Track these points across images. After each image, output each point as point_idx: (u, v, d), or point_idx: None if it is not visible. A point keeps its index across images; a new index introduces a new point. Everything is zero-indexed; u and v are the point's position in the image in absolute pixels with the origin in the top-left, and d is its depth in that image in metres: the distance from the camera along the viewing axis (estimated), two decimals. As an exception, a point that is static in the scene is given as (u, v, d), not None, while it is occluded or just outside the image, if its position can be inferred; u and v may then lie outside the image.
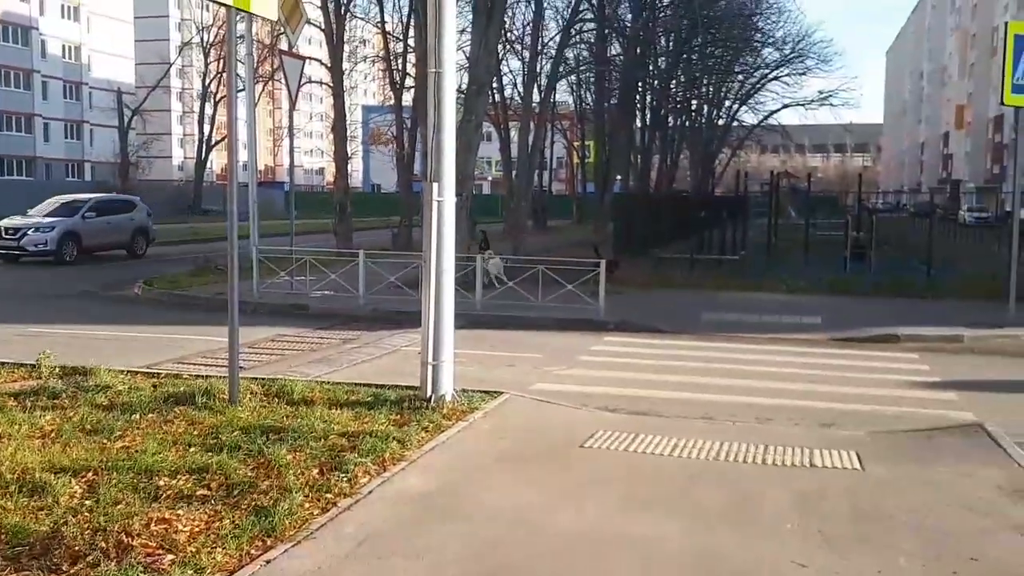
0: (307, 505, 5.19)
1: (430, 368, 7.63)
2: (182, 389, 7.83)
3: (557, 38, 30.35)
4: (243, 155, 21.70)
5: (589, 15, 32.15)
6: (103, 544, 4.43)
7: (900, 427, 7.86)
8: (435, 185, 7.50)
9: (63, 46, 65.03)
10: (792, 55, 46.69)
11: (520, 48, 34.31)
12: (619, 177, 37.36)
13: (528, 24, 30.85)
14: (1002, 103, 14.27)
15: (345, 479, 5.65)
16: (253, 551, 4.57)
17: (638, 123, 40.24)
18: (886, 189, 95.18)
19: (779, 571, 4.49)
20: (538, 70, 30.62)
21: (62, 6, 64.59)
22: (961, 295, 17.24)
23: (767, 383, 9.82)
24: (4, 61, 59.48)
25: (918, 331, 13.20)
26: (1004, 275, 15.26)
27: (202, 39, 61.52)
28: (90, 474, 5.52)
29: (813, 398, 9.10)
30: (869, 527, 5.14)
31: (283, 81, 17.93)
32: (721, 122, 53.77)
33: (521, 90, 31.95)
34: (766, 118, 52.21)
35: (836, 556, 4.70)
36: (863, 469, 6.34)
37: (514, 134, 35.34)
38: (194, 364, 9.93)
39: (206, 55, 60.92)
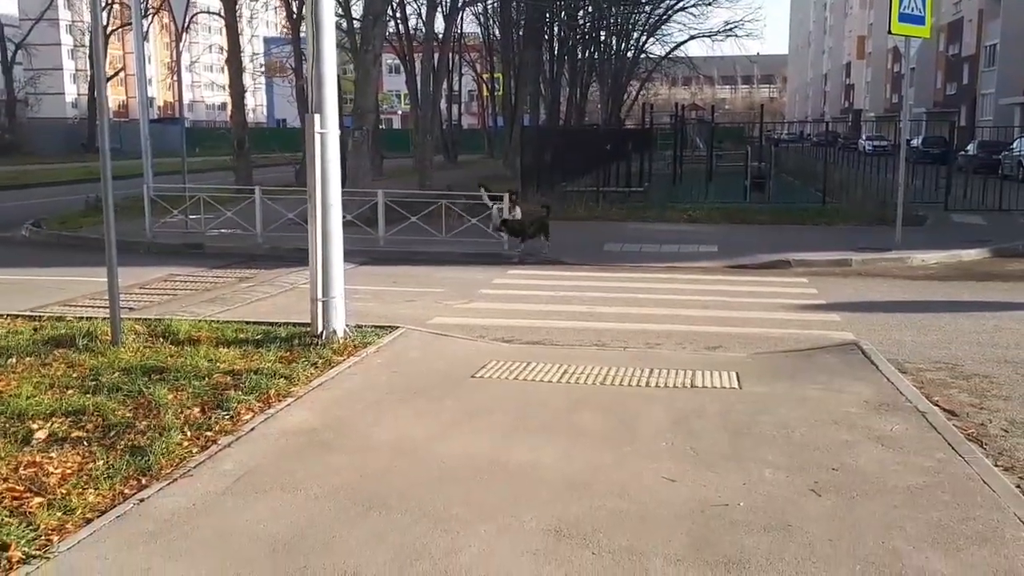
0: (186, 444, 5.13)
1: (320, 304, 7.55)
2: (63, 331, 7.58)
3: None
4: (139, 91, 20.79)
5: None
6: (-36, 490, 4.30)
7: (783, 348, 8.16)
8: (316, 117, 7.31)
9: (-63, -26, 60.71)
10: (698, -17, 46.75)
11: (424, -24, 33.43)
12: (528, 110, 37.12)
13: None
14: (889, 32, 14.59)
15: (227, 417, 5.60)
16: (127, 491, 4.50)
17: (546, 55, 39.92)
18: (791, 120, 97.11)
19: (650, 487, 4.65)
20: None
21: (-67, -69, 60.15)
22: (854, 221, 17.87)
23: (661, 310, 10.04)
24: None
25: (809, 256, 13.66)
26: (894, 201, 15.82)
27: (89, -33, 58.16)
28: (-44, 421, 5.33)
29: (703, 323, 9.35)
30: (740, 443, 5.35)
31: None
32: (630, 54, 53.77)
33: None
34: (673, 50, 52.44)
35: (706, 471, 4.89)
36: (740, 388, 6.58)
37: (420, 67, 34.66)
38: (79, 306, 9.62)
39: (94, -16, 57.65)
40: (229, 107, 28.14)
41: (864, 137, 52.49)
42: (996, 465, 5.13)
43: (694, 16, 50.64)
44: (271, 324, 8.11)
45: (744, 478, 4.77)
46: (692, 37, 53.18)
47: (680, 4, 48.45)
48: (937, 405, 6.24)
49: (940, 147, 33.12)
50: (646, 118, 32.94)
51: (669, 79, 67.48)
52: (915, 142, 36.81)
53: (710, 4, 49.55)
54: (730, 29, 49.41)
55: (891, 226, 15.33)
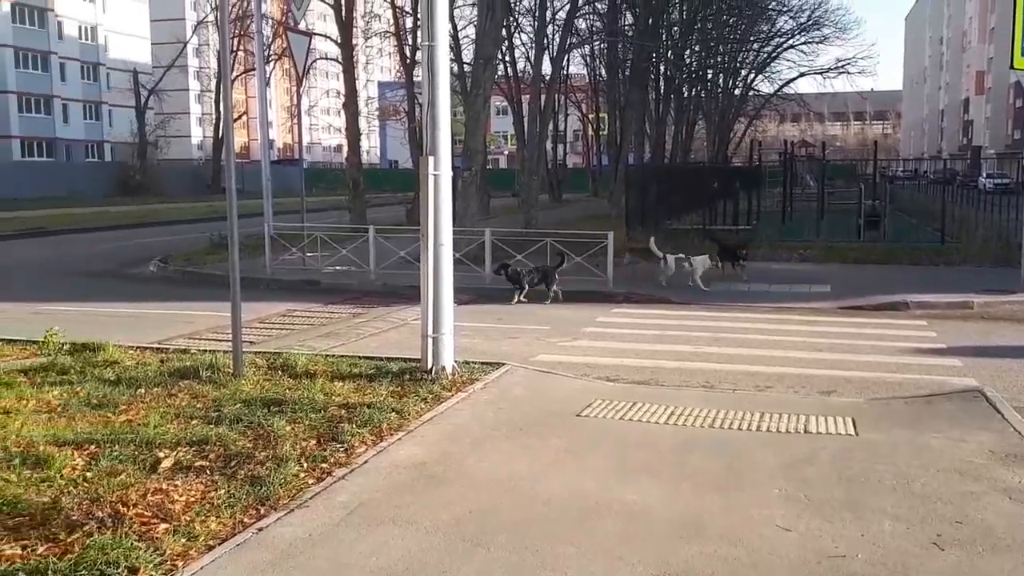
0: (302, 475, 5.31)
1: (430, 340, 7.71)
2: (188, 363, 7.96)
3: (568, 7, 30.06)
4: (261, 133, 21.77)
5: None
6: (99, 514, 4.56)
7: (901, 394, 7.88)
8: (431, 159, 7.53)
9: (79, 27, 65.27)
10: (808, 23, 46.08)
11: (532, 20, 34.05)
12: (633, 148, 37.11)
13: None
14: (1012, 67, 14.05)
15: (342, 449, 5.76)
16: (247, 519, 4.68)
17: (652, 94, 39.92)
18: (905, 156, 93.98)
19: (762, 535, 4.55)
20: (546, 42, 30.42)
21: (77, -13, 64.85)
22: (975, 262, 17.12)
23: (771, 352, 9.83)
24: (22, 43, 59.85)
25: (927, 298, 13.14)
26: (1018, 241, 15.11)
27: (216, 17, 61.48)
28: (93, 447, 5.66)
29: (816, 366, 9.11)
30: (856, 492, 5.18)
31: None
32: (737, 92, 53.25)
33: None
34: (782, 87, 51.70)
35: (821, 520, 4.75)
36: (857, 435, 6.37)
37: (528, 108, 35.15)
38: (203, 339, 10.08)
39: (221, 33, 60.99)
40: (345, 149, 29.12)
41: (984, 174, 50.41)
42: None
43: (804, 53, 49.77)
44: (383, 359, 8.33)
45: (862, 529, 4.62)
46: (802, 74, 52.20)
47: (790, 42, 47.87)
48: (1071, 458, 5.90)
49: (1069, 184, 31.47)
50: (754, 155, 32.48)
51: (778, 116, 66.38)
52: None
53: (821, 42, 48.68)
54: (842, 66, 48.43)
55: (1016, 267, 14.61)
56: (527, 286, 13.45)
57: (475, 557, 4.25)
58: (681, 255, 14.68)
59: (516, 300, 13.31)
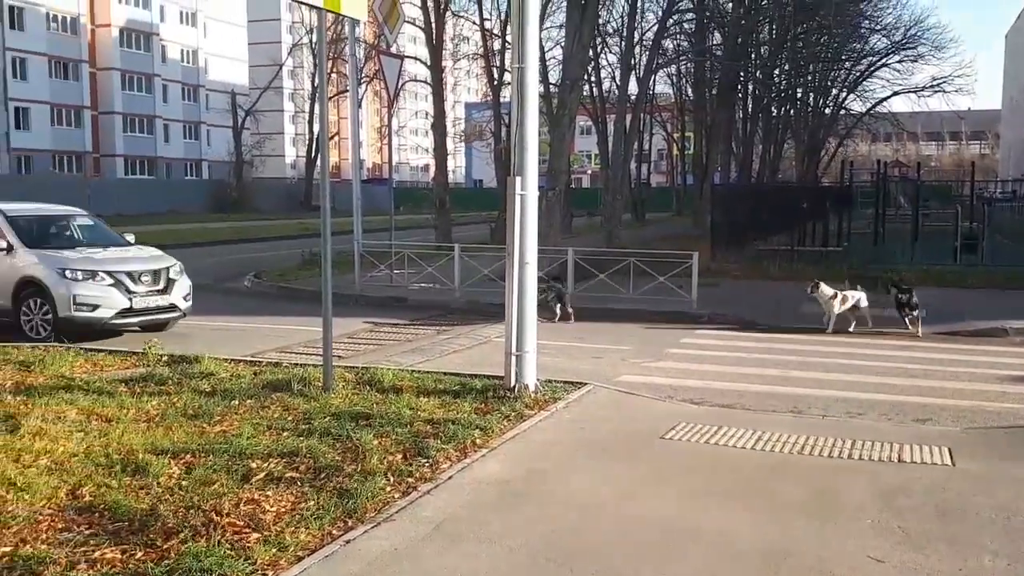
0: (389, 489, 5.41)
1: (514, 358, 7.77)
2: (280, 377, 8.20)
3: (656, 28, 30.03)
4: (352, 153, 22.30)
5: (688, 4, 31.71)
6: (194, 522, 4.73)
7: (1000, 424, 7.57)
8: (518, 179, 7.62)
9: (182, 50, 68.04)
10: (904, 42, 44.78)
11: (619, 40, 34.07)
12: (719, 168, 36.71)
13: (625, 15, 30.63)
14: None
15: (427, 464, 5.85)
16: (335, 531, 4.79)
17: (739, 113, 39.45)
18: (1004, 178, 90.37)
19: (854, 566, 4.44)
20: (633, 63, 30.38)
21: (180, 12, 67.60)
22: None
23: (863, 377, 9.56)
24: (128, 66, 62.74)
25: (1029, 325, 12.59)
26: None
27: (310, 40, 63.38)
28: (188, 456, 5.87)
29: (910, 393, 8.83)
30: (953, 524, 5.01)
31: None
32: (827, 111, 52.09)
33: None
34: (875, 106, 50.24)
35: (916, 553, 4.61)
36: (953, 465, 6.15)
37: (612, 128, 35.16)
38: (294, 353, 10.35)
39: (315, 56, 62.76)
40: (432, 168, 29.63)
41: (1088, 196, 48.09)
42: None
43: (898, 72, 48.28)
44: (467, 376, 8.41)
45: (960, 564, 4.46)
46: (896, 93, 50.49)
47: (883, 61, 46.59)
48: None
49: None
50: (845, 175, 31.72)
51: (870, 135, 64.75)
52: None
53: (916, 61, 47.20)
54: (938, 85, 46.86)
55: None
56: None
57: (558, 577, 4.26)
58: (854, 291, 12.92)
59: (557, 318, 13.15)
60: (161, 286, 11.78)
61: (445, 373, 8.59)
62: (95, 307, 11.19)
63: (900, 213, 33.07)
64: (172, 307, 11.89)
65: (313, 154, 65.20)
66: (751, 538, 4.78)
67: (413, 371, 8.72)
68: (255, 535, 4.66)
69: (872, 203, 30.77)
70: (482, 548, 4.61)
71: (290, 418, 6.91)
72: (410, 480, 5.57)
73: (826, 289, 12.65)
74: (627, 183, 37.20)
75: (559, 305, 13.33)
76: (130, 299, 11.37)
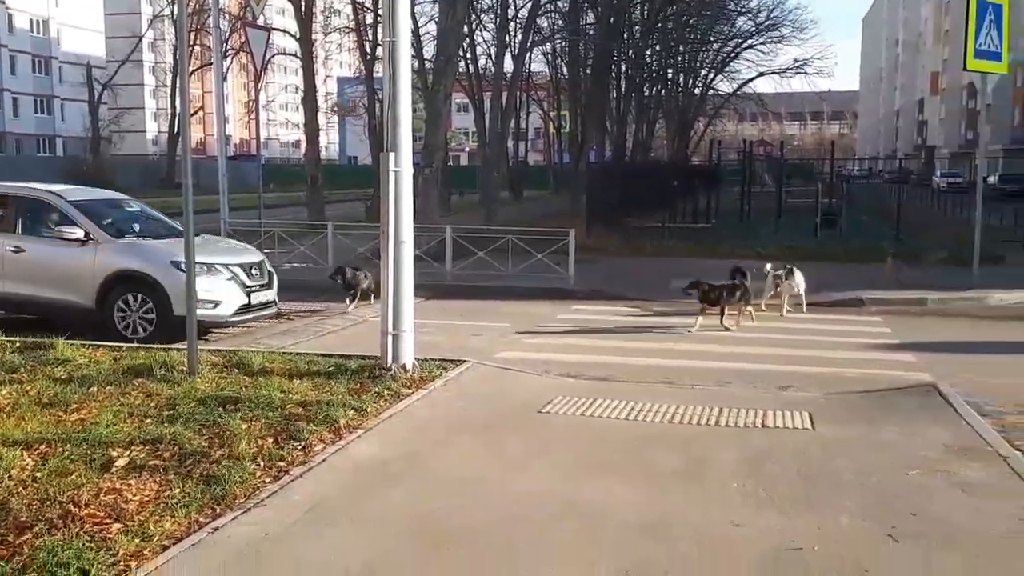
0: (259, 474, 5.22)
1: (390, 338, 7.64)
2: (142, 362, 7.81)
3: (530, 5, 30.08)
4: (217, 129, 21.46)
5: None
6: (50, 515, 4.44)
7: (857, 389, 7.97)
8: (392, 155, 7.46)
9: (31, 20, 63.92)
10: (766, 23, 46.59)
11: (494, 17, 34.00)
12: (595, 146, 37.24)
13: (500, -8, 30.55)
14: (965, 68, 14.32)
15: (299, 448, 5.68)
16: (202, 519, 4.59)
17: (613, 92, 40.09)
18: (862, 156, 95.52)
19: (722, 531, 4.56)
20: (508, 40, 30.39)
21: (27, -21, 63.47)
22: (929, 259, 17.43)
23: (730, 348, 9.91)
24: (-31, 35, 58.51)
25: (883, 295, 13.36)
26: (971, 239, 15.40)
27: (172, 11, 60.54)
28: (43, 446, 5.51)
29: (773, 362, 9.20)
30: (814, 486, 5.23)
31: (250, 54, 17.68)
32: (697, 91, 53.66)
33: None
34: (741, 86, 52.15)
35: (779, 515, 4.78)
36: (814, 429, 6.44)
37: (489, 105, 35.12)
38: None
39: (176, 28, 60.08)
40: (303, 144, 28.84)
41: (938, 174, 51.38)
42: (1086, 515, 4.92)
43: (763, 53, 50.23)
44: (342, 357, 8.23)
45: (819, 523, 4.66)
46: (761, 74, 52.54)
47: (749, 42, 48.33)
48: (1020, 450, 6.01)
49: (1018, 184, 32.24)
50: (713, 154, 32.78)
51: (737, 115, 67.02)
52: (991, 179, 35.88)
53: (779, 42, 49.23)
54: (800, 66, 49.03)
55: (968, 265, 14.93)
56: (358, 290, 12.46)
57: (436, 558, 4.21)
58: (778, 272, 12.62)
59: (351, 306, 12.37)
60: (265, 280, 10.87)
61: (318, 355, 8.38)
62: (216, 303, 10.02)
63: (765, 190, 34.44)
64: (273, 302, 11.04)
65: (176, 129, 62.47)
66: (626, 509, 4.85)
67: (284, 353, 8.47)
68: (117, 525, 4.42)
69: (739, 181, 31.97)
70: (357, 530, 4.51)
71: (153, 404, 6.59)
72: (281, 464, 5.40)
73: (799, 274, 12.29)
74: (504, 161, 37.35)
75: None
76: (248, 294, 10.42)
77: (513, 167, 47.04)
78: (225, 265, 10.33)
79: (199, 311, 9.48)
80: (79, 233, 10.07)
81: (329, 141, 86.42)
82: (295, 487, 5.07)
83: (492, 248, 15.25)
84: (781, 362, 9.18)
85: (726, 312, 11.16)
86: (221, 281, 10.16)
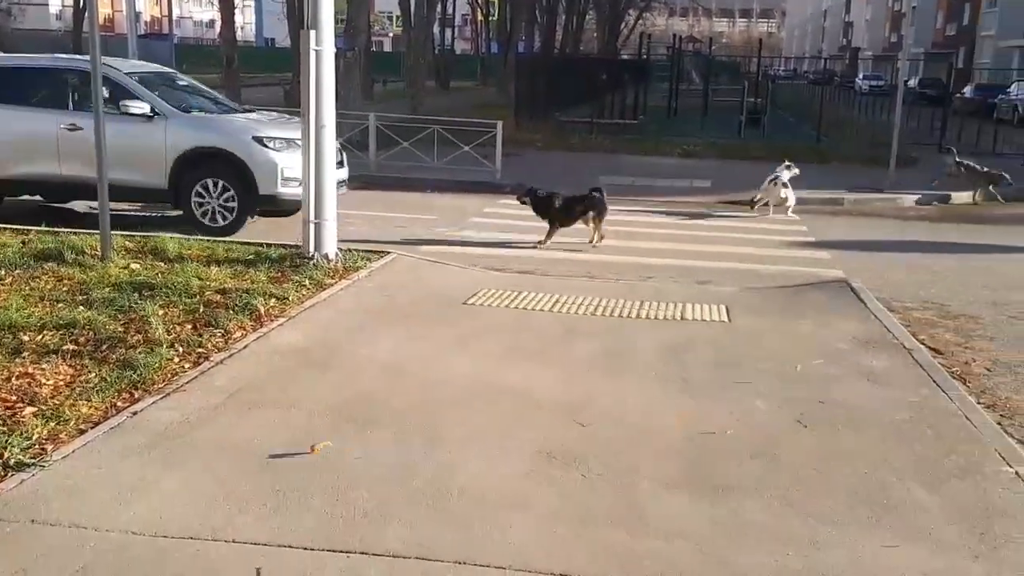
0: (178, 360, 5.14)
1: (312, 226, 7.49)
2: (52, 245, 7.53)
3: None
4: (127, 5, 20.23)
5: None
6: (-43, 398, 4.31)
7: (773, 284, 8.19)
8: (312, 33, 7.15)
9: None
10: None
11: None
12: (523, 37, 36.46)
13: None
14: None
15: (220, 334, 5.60)
16: (120, 403, 4.52)
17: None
18: (789, 55, 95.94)
19: (640, 415, 4.70)
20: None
21: None
22: (847, 160, 17.80)
23: (652, 244, 10.04)
24: None
25: (801, 194, 13.54)
26: (888, 141, 15.73)
27: None
28: (-53, 331, 5.31)
29: (694, 257, 9.37)
30: (728, 374, 5.40)
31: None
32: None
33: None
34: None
35: (695, 400, 4.94)
36: (730, 321, 6.62)
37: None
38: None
39: None
40: (218, 24, 27.46)
41: (861, 76, 52.05)
42: (979, 403, 5.22)
43: (696, -55, 49.48)
44: (262, 245, 8.07)
45: (732, 408, 4.83)
46: (693, -35, 51.99)
47: (682, -68, 47.33)
48: (923, 343, 6.31)
49: (937, 88, 32.89)
50: (643, 49, 32.44)
51: (667, 9, 66.32)
52: (912, 83, 36.50)
53: (712, -66, 48.45)
54: (731, -40, 48.34)
55: (884, 166, 15.28)
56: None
57: (360, 439, 4.24)
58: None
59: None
60: (340, 157, 10.02)
61: (237, 242, 8.19)
62: (300, 182, 9.28)
63: (693, 88, 34.41)
64: (345, 182, 10.18)
65: (81, 3, 58.80)
66: (549, 394, 4.95)
67: (201, 240, 8.25)
68: (30, 409, 4.32)
69: (667, 77, 31.83)
70: (280, 414, 4.50)
71: (65, 289, 6.38)
72: (201, 351, 5.31)
73: (785, 175, 12.05)
74: (430, 48, 36.31)
75: None
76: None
77: (439, 55, 45.83)
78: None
79: (287, 189, 9.14)
80: (145, 108, 9.29)
81: (245, 21, 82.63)
82: (216, 373, 5.01)
83: (417, 138, 14.97)
84: (702, 258, 9.36)
85: (554, 230, 9.65)
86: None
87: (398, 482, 3.81)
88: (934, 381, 5.39)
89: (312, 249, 7.53)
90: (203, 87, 11.54)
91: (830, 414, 4.82)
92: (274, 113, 11.02)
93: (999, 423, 4.92)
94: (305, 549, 3.28)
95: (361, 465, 3.96)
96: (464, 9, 60.76)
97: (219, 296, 6.32)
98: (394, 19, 65.13)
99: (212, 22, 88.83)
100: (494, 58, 47.52)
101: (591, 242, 9.70)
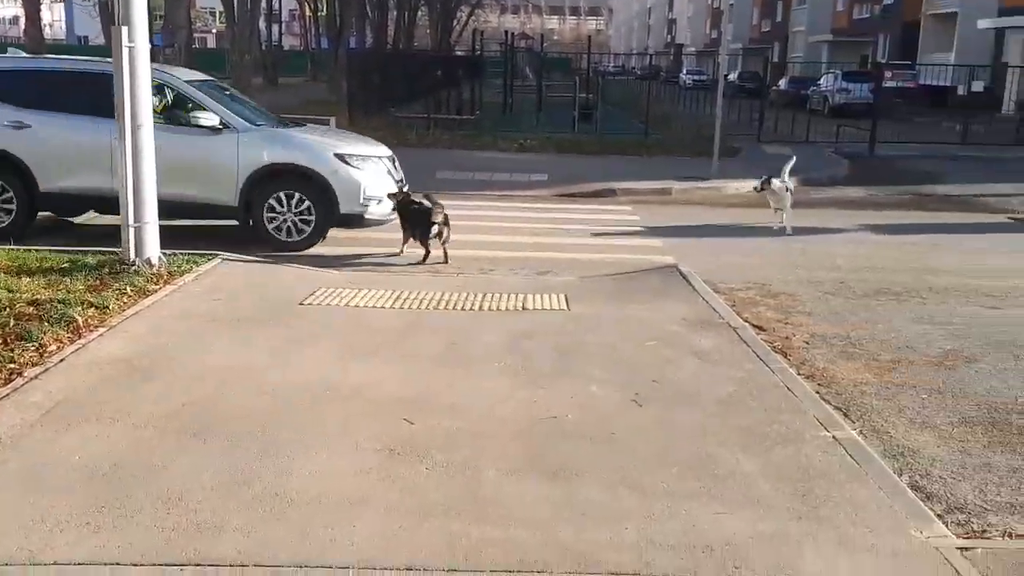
0: (-15, 378, 4.75)
1: (131, 230, 7.08)
2: None
3: None
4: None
5: None
6: None
7: (608, 272, 8.43)
8: (124, 29, 6.75)
9: None
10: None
11: None
12: (355, 32, 35.94)
13: None
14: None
15: (33, 348, 5.21)
16: (-82, 430, 4.13)
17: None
18: (617, 52, 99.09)
19: (483, 406, 4.72)
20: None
21: None
22: (674, 152, 18.57)
23: (493, 237, 10.11)
24: None
25: (633, 185, 14.11)
26: (711, 134, 16.51)
27: None
28: None
29: (533, 249, 9.52)
30: (568, 361, 5.51)
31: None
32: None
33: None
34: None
35: (536, 388, 5.01)
36: (569, 309, 6.76)
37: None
38: None
39: None
40: (23, 21, 25.59)
41: (684, 71, 54.38)
42: (799, 374, 5.56)
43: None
44: (77, 252, 7.57)
45: (572, 393, 4.94)
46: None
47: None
48: (747, 321, 6.66)
49: (754, 82, 34.90)
50: (476, 46, 32.68)
51: (499, 6, 67.12)
52: (731, 77, 38.52)
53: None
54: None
55: (708, 157, 16.03)
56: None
57: (191, 449, 4.05)
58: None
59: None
60: (401, 175, 9.58)
61: (50, 249, 7.65)
62: (380, 200, 8.88)
63: (527, 84, 34.94)
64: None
65: None
66: (391, 391, 4.89)
67: (9, 248, 7.66)
68: None
69: (501, 73, 32.19)
70: (103, 429, 4.23)
71: None
72: (13, 367, 4.92)
73: (777, 183, 11.05)
74: (257, 43, 35.21)
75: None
76: (400, 190, 9.11)
77: (267, 51, 44.55)
78: (380, 158, 9.28)
79: (367, 207, 8.85)
80: (215, 120, 8.70)
81: (54, 19, 77.52)
82: (30, 389, 4.66)
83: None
84: (541, 249, 9.52)
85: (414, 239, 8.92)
86: (382, 176, 9.11)
87: (233, 490, 3.67)
88: (758, 356, 5.70)
89: (133, 255, 7.12)
90: (244, 96, 10.92)
91: (663, 393, 5.00)
92: (309, 125, 10.41)
93: (817, 391, 5.26)
94: (135, 565, 3.09)
95: (193, 476, 3.78)
96: (292, 4, 59.29)
97: (31, 308, 5.88)
98: (217, 15, 62.80)
99: (16, 19, 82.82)
100: (324, 54, 46.56)
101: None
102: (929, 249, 10.22)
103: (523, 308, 6.79)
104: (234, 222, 9.05)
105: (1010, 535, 3.70)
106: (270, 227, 8.89)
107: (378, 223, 9.24)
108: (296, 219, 8.88)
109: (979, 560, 3.38)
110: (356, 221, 9.10)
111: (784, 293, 7.83)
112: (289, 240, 8.91)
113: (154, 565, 3.10)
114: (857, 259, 9.47)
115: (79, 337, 5.50)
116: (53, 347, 5.28)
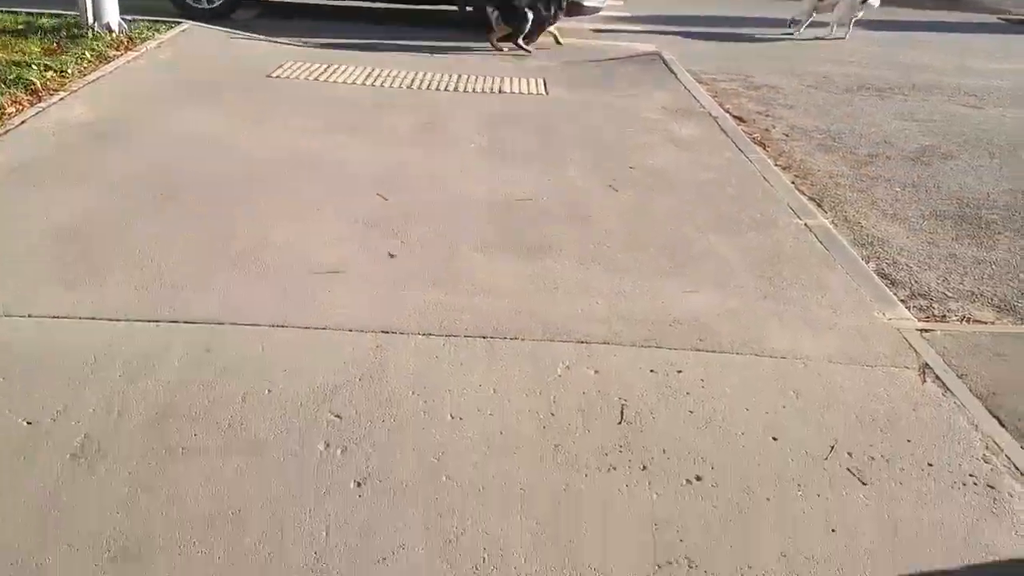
0: (-58, 138, 4.58)
1: (89, -10, 6.68)
2: None
3: None
4: None
5: None
6: None
7: (589, 58, 8.15)
8: None
9: None
10: None
11: None
12: None
13: None
14: None
15: (-9, 110, 5.01)
16: None
17: None
18: None
19: (458, 183, 4.66)
20: None
21: None
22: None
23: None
24: None
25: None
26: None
27: None
28: None
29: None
30: (545, 144, 5.42)
31: None
32: None
33: None
34: None
35: (512, 169, 4.95)
36: (548, 94, 6.59)
37: None
38: None
39: None
40: None
41: None
42: (776, 164, 5.53)
43: None
44: (29, 13, 7.15)
45: (549, 176, 4.88)
46: None
47: None
48: (728, 112, 6.55)
49: None
50: None
51: None
52: None
53: None
54: None
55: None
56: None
57: (163, 211, 3.98)
58: None
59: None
60: None
61: (1, 10, 7.21)
62: None
63: None
64: None
65: None
66: (364, 165, 4.80)
67: (-41, 7, 7.22)
68: None
69: None
70: (69, 190, 4.13)
71: None
72: (-30, 127, 4.75)
73: None
74: None
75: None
76: None
77: None
78: None
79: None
80: None
81: None
82: (-10, 150, 4.51)
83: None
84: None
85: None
86: None
87: (207, 252, 3.64)
88: (736, 146, 5.64)
89: (91, 18, 6.75)
90: None
91: (640, 178, 4.96)
92: None
93: (793, 182, 5.25)
94: (109, 320, 3.10)
95: (166, 237, 3.74)
96: None
97: (-15, 69, 5.61)
98: None
99: None
100: None
101: None
102: (916, 46, 9.98)
103: (500, 91, 6.60)
104: None
105: (968, 320, 3.82)
106: None
107: (593, 12, 9.31)
108: None
109: (937, 341, 3.50)
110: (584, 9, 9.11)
111: (767, 85, 7.67)
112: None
113: (128, 320, 3.11)
114: (841, 53, 9.24)
115: (39, 100, 5.28)
116: (12, 109, 5.07)
